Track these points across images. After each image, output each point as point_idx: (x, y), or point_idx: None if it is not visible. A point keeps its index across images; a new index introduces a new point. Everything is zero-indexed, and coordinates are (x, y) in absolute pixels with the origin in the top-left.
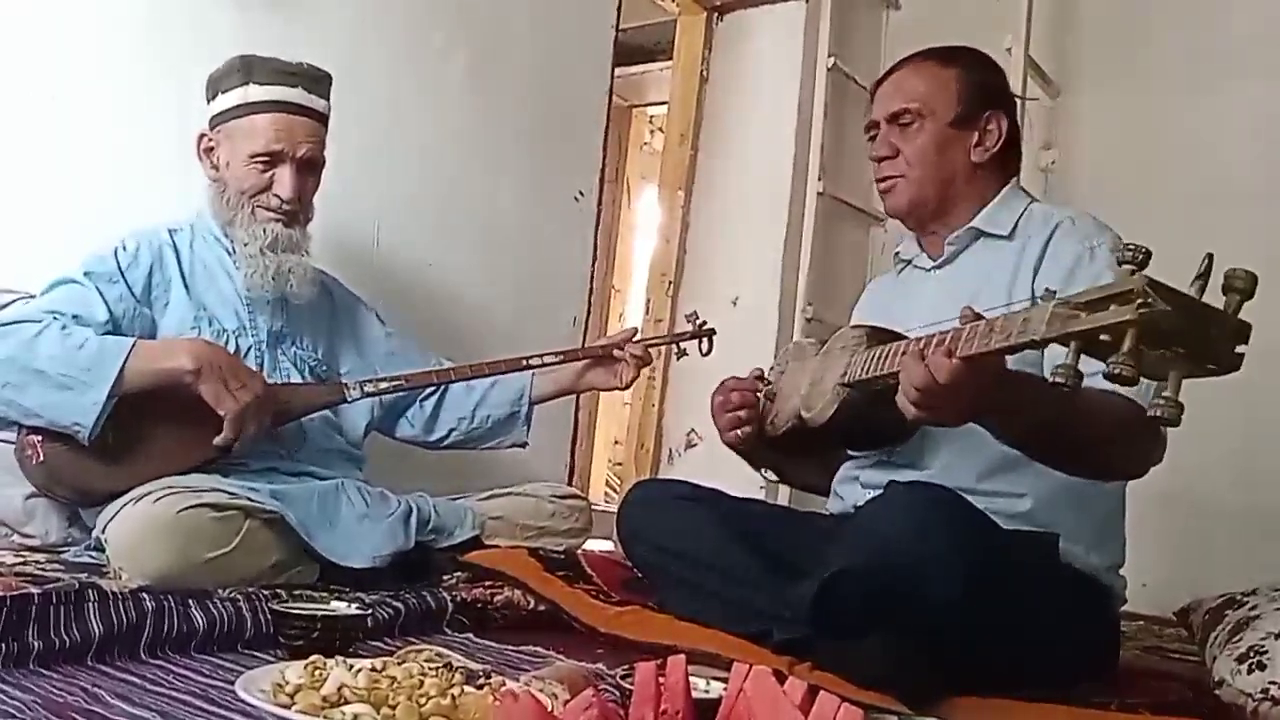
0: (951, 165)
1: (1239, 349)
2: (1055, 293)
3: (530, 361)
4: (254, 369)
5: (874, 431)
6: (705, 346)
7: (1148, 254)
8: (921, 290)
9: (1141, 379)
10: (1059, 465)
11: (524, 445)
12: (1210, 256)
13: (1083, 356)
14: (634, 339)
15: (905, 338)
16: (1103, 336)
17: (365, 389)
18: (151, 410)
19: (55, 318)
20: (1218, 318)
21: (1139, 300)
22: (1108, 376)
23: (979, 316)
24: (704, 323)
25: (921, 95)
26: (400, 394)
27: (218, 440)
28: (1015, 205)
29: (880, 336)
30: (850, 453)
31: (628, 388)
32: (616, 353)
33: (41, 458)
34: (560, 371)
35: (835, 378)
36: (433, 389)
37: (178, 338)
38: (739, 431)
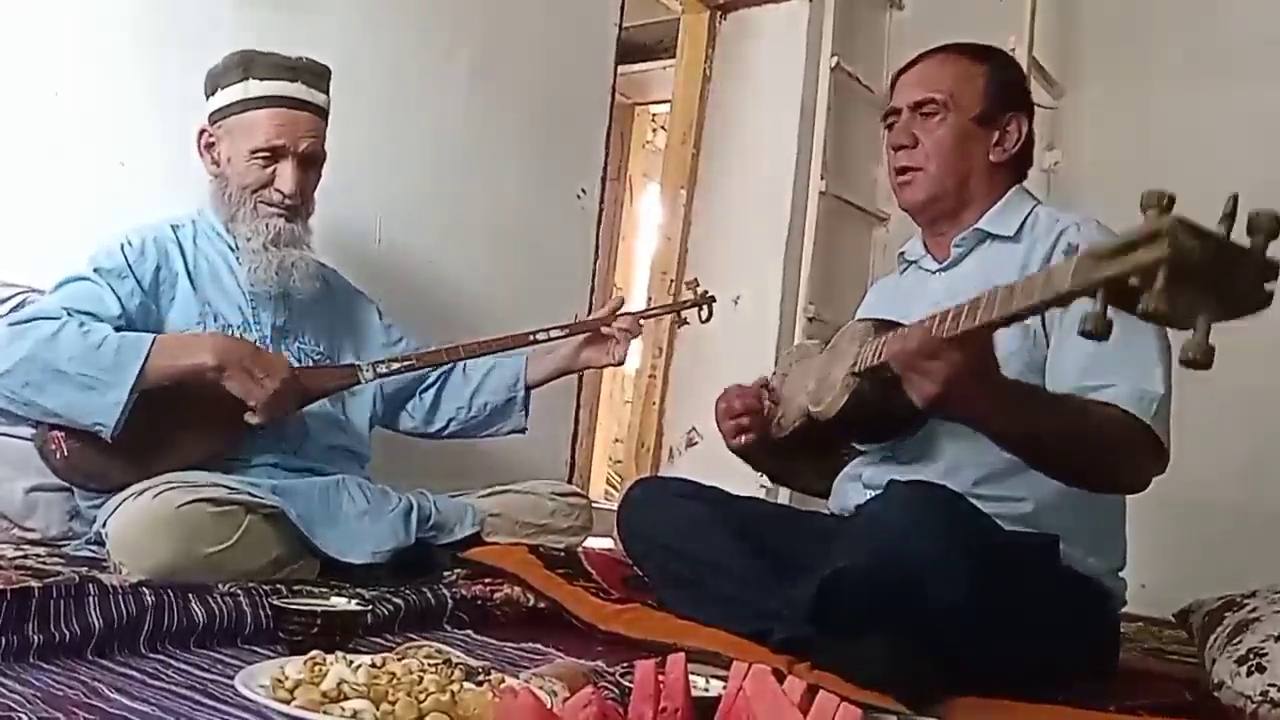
0: (969, 162)
1: (1268, 286)
2: (1077, 246)
3: (536, 336)
4: (275, 352)
5: (884, 422)
6: (705, 314)
7: (1172, 199)
8: (926, 292)
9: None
10: (1055, 473)
11: (523, 431)
12: (1235, 197)
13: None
14: (622, 308)
15: None
16: (1132, 281)
17: (378, 370)
18: (173, 402)
19: (71, 315)
20: (1245, 255)
21: (1169, 238)
22: (1142, 316)
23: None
24: (705, 290)
25: (947, 87)
26: (401, 385)
27: (252, 419)
28: (1021, 207)
29: (890, 326)
30: (856, 447)
31: (622, 363)
32: (605, 330)
33: (65, 453)
34: (555, 353)
35: (844, 369)
36: (432, 381)
37: (197, 333)
38: (743, 438)
